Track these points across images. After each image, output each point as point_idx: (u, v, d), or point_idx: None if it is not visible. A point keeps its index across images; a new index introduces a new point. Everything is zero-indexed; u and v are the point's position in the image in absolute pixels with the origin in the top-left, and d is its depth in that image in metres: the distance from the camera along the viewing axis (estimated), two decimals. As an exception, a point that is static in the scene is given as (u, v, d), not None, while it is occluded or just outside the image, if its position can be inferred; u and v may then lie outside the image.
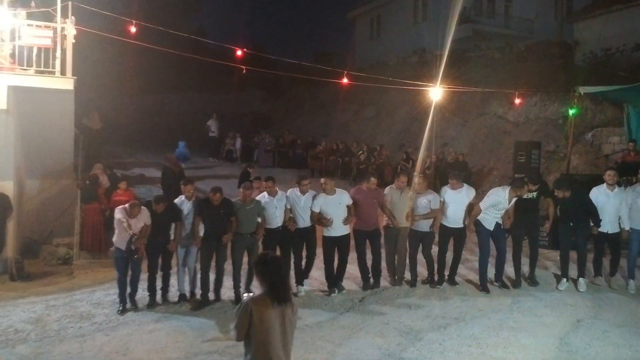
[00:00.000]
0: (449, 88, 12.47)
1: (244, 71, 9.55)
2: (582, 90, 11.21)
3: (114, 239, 7.19)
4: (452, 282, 8.02)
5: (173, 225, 7.33)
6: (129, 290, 7.16)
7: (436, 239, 8.09)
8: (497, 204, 7.63)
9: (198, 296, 7.45)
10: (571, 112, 11.36)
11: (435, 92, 11.54)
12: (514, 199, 7.67)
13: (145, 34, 12.88)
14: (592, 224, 7.82)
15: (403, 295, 7.63)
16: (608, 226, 7.86)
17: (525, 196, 7.79)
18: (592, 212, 7.72)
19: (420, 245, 8.01)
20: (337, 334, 6.28)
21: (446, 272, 8.08)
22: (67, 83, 9.02)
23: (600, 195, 7.89)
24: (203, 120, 22.02)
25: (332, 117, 25.24)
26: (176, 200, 7.50)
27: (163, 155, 19.88)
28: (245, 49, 9.13)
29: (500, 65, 20.26)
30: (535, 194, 8.00)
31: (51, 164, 10.80)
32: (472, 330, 6.31)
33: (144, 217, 7.10)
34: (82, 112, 14.64)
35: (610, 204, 7.81)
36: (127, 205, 7.11)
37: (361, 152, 17.06)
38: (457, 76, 18.59)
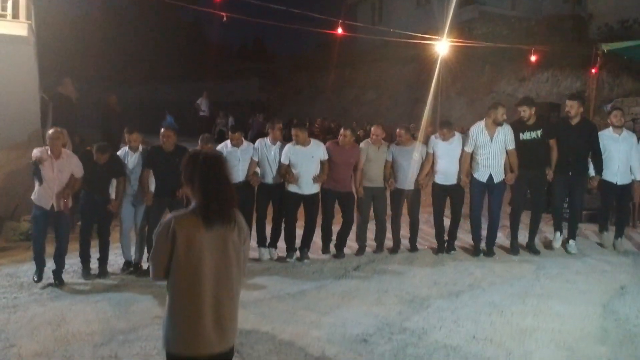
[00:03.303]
0: (456, 42, 11.28)
1: (225, 19, 8.35)
2: (606, 47, 10.01)
3: (33, 195, 5.80)
4: (450, 248, 6.78)
5: (114, 182, 6.10)
6: (53, 267, 5.88)
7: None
8: (475, 138, 6.36)
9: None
10: (593, 71, 10.16)
11: (442, 47, 10.35)
12: (501, 131, 6.31)
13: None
14: (592, 173, 6.53)
15: (405, 262, 6.42)
16: (617, 176, 6.59)
17: (526, 137, 6.41)
18: (596, 151, 6.46)
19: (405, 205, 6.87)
20: (324, 303, 5.09)
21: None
22: (19, 28, 7.83)
23: (606, 139, 6.57)
24: (195, 108, 20.88)
25: (331, 102, 24.10)
26: (119, 152, 6.25)
27: (153, 141, 18.98)
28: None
29: (508, 41, 19.04)
30: (539, 132, 6.41)
31: (15, 132, 9.67)
32: (491, 297, 5.10)
33: (72, 165, 5.75)
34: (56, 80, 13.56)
35: (619, 149, 6.54)
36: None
37: (360, 130, 15.85)
38: (463, 53, 17.45)
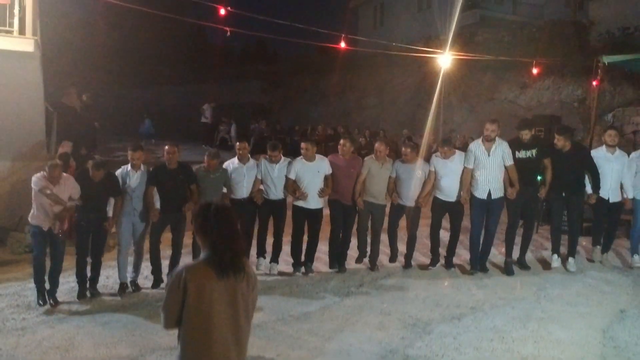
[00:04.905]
0: (459, 55, 11.34)
1: (228, 34, 8.44)
2: (607, 59, 10.03)
3: (30, 216, 5.87)
4: (449, 265, 6.92)
5: (111, 202, 6.16)
6: (48, 286, 5.93)
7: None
8: (473, 153, 6.52)
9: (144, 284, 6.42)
10: (594, 83, 10.18)
11: (444, 60, 10.42)
12: (498, 146, 6.46)
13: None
14: (589, 190, 6.73)
15: (407, 279, 6.51)
16: (609, 193, 6.82)
17: (522, 155, 6.56)
18: (592, 172, 6.66)
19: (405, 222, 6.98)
20: (327, 326, 5.17)
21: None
22: (26, 44, 7.91)
23: (599, 158, 6.80)
24: (200, 112, 21.00)
25: (333, 106, 24.17)
26: (119, 171, 6.31)
27: (156, 143, 19.20)
28: (229, 8, 8.02)
29: (510, 47, 19.09)
30: (534, 151, 6.59)
31: (20, 143, 9.76)
32: (493, 321, 5.18)
33: (69, 187, 5.81)
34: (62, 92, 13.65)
35: (611, 168, 6.77)
36: (45, 168, 5.74)
37: (362, 137, 15.96)
38: (464, 60, 17.49)
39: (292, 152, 18.35)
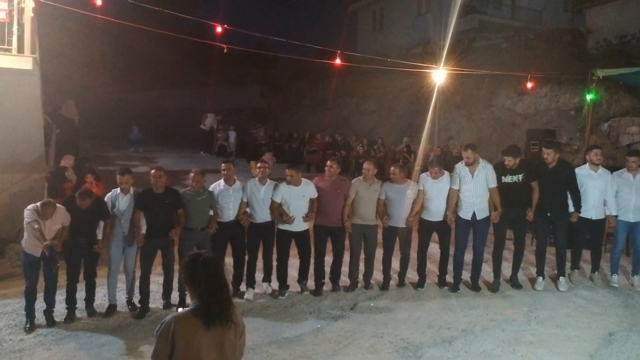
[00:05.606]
0: (453, 70, 11.42)
1: (225, 50, 8.52)
2: (601, 73, 10.12)
3: (23, 242, 5.97)
4: (442, 284, 6.99)
5: (101, 224, 6.25)
6: (44, 306, 6.02)
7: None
8: (458, 174, 6.64)
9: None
10: (589, 97, 10.27)
11: (439, 75, 10.49)
12: (482, 169, 6.58)
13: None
14: (572, 209, 6.80)
15: (400, 300, 6.59)
16: (592, 211, 6.87)
17: (508, 180, 6.68)
18: (573, 191, 6.74)
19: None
20: (321, 349, 5.25)
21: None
22: (24, 62, 8.00)
23: (582, 176, 6.87)
24: (199, 116, 21.15)
25: (332, 111, 24.24)
26: (109, 195, 6.38)
27: (155, 150, 19.29)
28: (225, 25, 8.10)
29: (508, 54, 19.16)
30: (520, 176, 6.69)
31: (20, 156, 9.87)
32: (483, 345, 5.25)
33: (60, 218, 5.90)
34: (60, 102, 13.76)
35: (594, 186, 6.83)
36: (38, 203, 5.84)
37: (360, 145, 16.03)
38: (463, 66, 17.56)
39: (292, 160, 18.50)
